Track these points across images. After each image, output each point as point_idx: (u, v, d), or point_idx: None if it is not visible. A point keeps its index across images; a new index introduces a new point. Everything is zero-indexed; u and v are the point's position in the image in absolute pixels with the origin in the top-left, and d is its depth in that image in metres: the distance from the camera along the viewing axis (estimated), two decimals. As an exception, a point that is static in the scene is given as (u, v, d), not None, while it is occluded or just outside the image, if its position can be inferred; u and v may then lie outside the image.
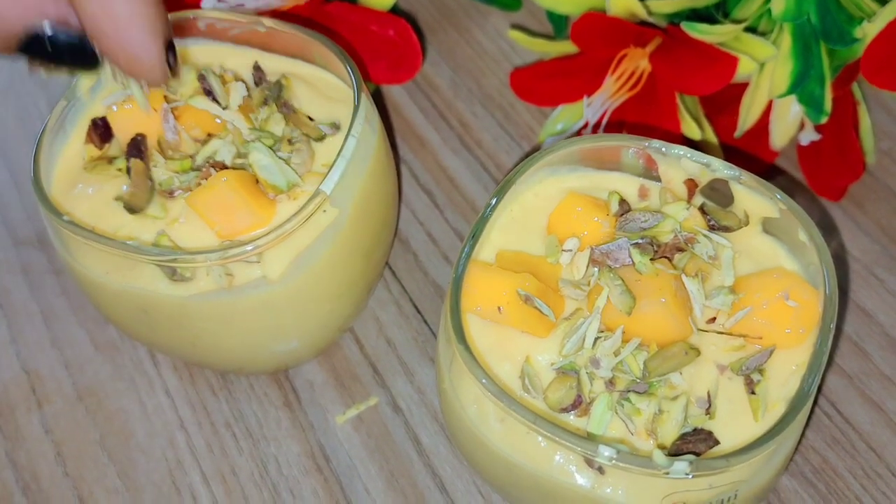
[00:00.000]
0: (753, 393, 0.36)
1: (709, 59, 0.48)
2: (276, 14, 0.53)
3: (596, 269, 0.39)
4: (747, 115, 0.51)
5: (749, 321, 0.38)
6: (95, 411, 0.49)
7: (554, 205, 0.41)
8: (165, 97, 0.44)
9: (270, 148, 0.43)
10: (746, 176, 0.40)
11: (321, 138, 0.44)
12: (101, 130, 0.44)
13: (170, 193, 0.42)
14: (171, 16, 0.45)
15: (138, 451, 0.47)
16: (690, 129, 0.51)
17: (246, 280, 0.40)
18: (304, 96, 0.46)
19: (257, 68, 0.47)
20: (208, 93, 0.44)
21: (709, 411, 0.36)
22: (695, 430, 0.36)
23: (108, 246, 0.39)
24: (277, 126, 0.44)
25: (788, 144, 0.52)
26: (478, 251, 0.39)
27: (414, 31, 0.53)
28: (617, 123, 0.53)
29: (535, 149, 0.56)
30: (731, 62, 0.47)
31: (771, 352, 0.37)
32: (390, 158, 0.46)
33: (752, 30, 0.49)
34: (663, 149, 0.41)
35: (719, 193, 0.41)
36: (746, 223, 0.41)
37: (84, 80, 0.45)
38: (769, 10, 0.49)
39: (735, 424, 0.36)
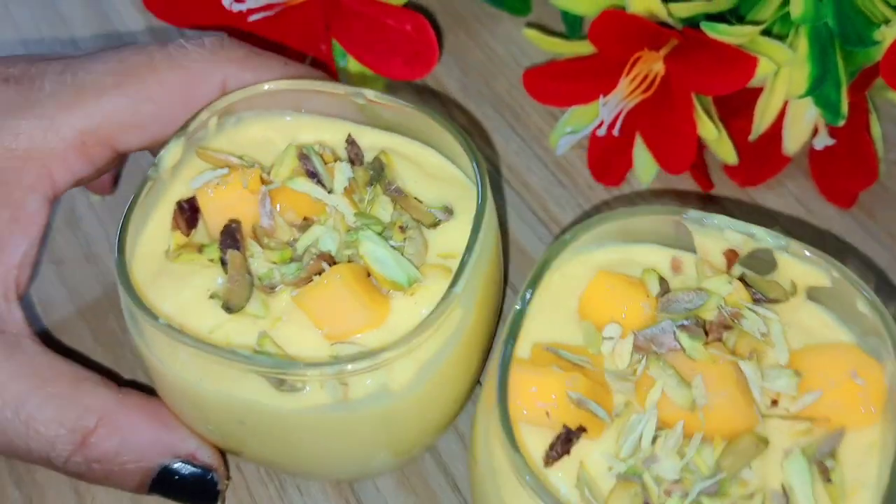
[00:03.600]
0: (829, 481, 0.33)
1: (728, 60, 0.47)
2: (286, 9, 0.52)
3: (641, 355, 0.35)
4: (762, 119, 0.50)
5: (816, 403, 0.35)
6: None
7: (583, 285, 0.38)
8: (262, 179, 0.40)
9: (380, 235, 0.39)
10: (794, 244, 0.37)
11: (435, 224, 0.40)
12: (187, 215, 0.39)
13: (271, 288, 0.38)
14: (253, 88, 0.42)
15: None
16: (707, 129, 0.50)
17: (364, 392, 0.36)
18: (406, 176, 0.42)
19: (352, 143, 0.42)
20: (312, 175, 0.40)
21: None
22: None
23: (210, 353, 0.35)
24: (385, 210, 0.40)
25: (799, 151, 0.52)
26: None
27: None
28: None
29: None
30: (751, 62, 0.47)
31: (842, 434, 0.34)
32: (500, 239, 0.42)
33: (767, 33, 0.49)
34: (704, 220, 0.38)
35: (759, 261, 0.38)
36: (794, 293, 0.38)
37: (166, 158, 0.40)
38: (784, 15, 0.49)
39: None
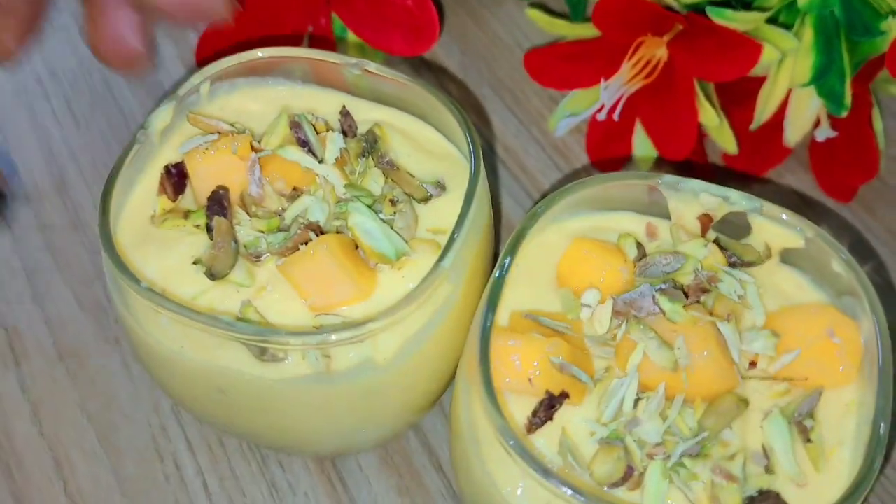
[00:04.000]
0: (809, 440, 0.33)
1: (733, 46, 0.47)
2: None
3: (620, 320, 0.35)
4: (765, 108, 0.50)
5: (794, 363, 0.34)
6: (76, 372, 0.46)
7: (560, 253, 0.37)
8: (252, 146, 0.39)
9: (370, 208, 0.38)
10: (768, 206, 0.37)
11: (426, 199, 0.39)
12: (175, 179, 0.39)
13: (256, 257, 0.37)
14: (248, 54, 0.41)
15: (120, 415, 0.44)
16: (709, 116, 0.50)
17: (347, 364, 0.35)
18: (400, 150, 0.41)
19: (346, 114, 0.42)
20: (303, 143, 0.39)
21: (768, 468, 0.33)
22: (760, 492, 0.32)
23: (192, 319, 0.34)
24: (376, 183, 0.39)
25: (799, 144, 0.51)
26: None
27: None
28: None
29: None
30: (756, 48, 0.47)
31: (820, 394, 0.34)
32: (492, 217, 0.41)
33: (773, 21, 0.49)
34: (679, 184, 0.38)
35: (733, 225, 0.38)
36: (769, 256, 0.38)
37: (155, 122, 0.39)
38: (790, 3, 0.48)
39: (797, 478, 0.33)
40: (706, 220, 0.38)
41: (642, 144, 0.52)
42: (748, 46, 0.47)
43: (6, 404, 0.45)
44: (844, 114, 0.48)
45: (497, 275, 0.35)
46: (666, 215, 0.38)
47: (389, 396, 0.37)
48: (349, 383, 0.35)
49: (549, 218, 0.37)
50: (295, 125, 0.39)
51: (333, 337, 0.34)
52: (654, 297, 0.35)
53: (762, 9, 0.49)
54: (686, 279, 0.36)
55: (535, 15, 0.52)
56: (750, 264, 0.37)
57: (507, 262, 0.35)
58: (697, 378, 0.33)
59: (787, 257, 0.37)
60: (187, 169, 0.39)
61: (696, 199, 0.38)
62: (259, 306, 0.36)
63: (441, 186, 0.40)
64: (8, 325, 0.47)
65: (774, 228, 0.37)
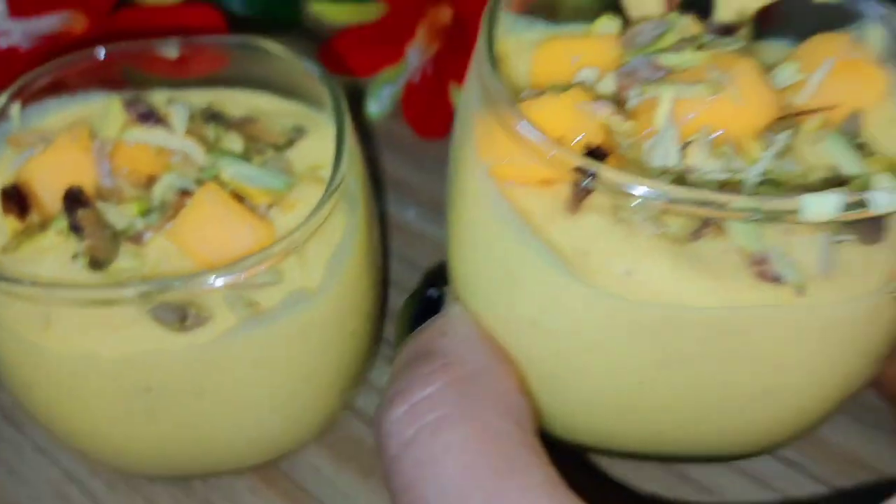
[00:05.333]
0: (871, 154, 0.31)
1: None
2: (53, 42, 0.48)
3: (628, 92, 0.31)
4: None
5: (824, 90, 0.32)
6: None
7: (529, 58, 0.33)
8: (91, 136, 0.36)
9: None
10: None
11: (290, 144, 0.38)
12: (16, 199, 0.35)
13: (138, 239, 0.34)
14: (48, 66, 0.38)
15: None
16: None
17: (279, 298, 0.32)
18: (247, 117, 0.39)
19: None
20: (146, 117, 0.36)
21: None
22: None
23: (102, 296, 0.30)
24: (235, 144, 0.37)
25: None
26: None
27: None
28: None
29: None
30: None
31: (860, 115, 0.32)
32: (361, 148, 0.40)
33: None
34: None
35: (696, 6, 0.35)
36: (746, 19, 0.35)
37: None
38: None
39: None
40: (671, 2, 0.35)
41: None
42: None
43: None
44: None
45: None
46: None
47: (327, 334, 0.34)
48: (284, 322, 0.32)
49: (505, 28, 0.33)
50: (131, 104, 0.36)
51: (271, 251, 0.31)
52: (652, 61, 0.31)
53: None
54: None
55: (322, 8, 0.53)
56: (729, 31, 0.34)
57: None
58: (744, 105, 0.29)
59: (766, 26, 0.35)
60: (29, 182, 0.35)
61: None
62: (159, 287, 0.32)
63: (300, 130, 0.38)
64: None
65: None
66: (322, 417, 0.38)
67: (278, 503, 0.38)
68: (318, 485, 0.39)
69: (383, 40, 0.52)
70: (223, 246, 0.33)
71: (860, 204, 0.26)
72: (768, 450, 0.37)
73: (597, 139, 0.29)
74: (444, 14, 0.52)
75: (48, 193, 0.34)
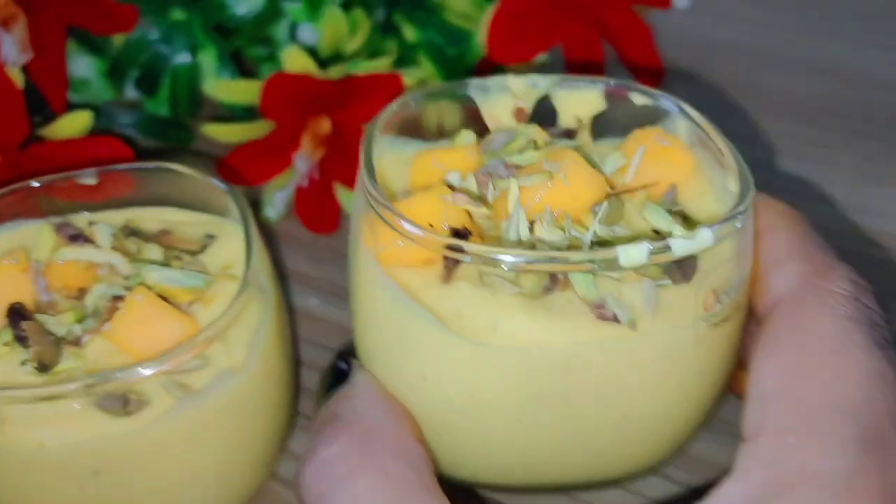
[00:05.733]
0: (686, 219, 0.37)
1: (375, 87, 0.56)
2: None
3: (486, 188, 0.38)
4: None
5: (641, 173, 0.39)
6: None
7: (407, 170, 0.40)
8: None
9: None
10: (569, 79, 0.42)
11: (203, 248, 0.43)
12: (-39, 319, 0.39)
13: (77, 342, 0.39)
14: None
15: None
16: None
17: (208, 379, 0.37)
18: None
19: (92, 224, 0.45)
20: (74, 238, 0.41)
21: None
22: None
23: (42, 391, 0.35)
24: (156, 254, 0.43)
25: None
26: None
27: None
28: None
29: None
30: (396, 78, 0.56)
31: (675, 188, 0.39)
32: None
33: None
34: (487, 83, 0.42)
35: (543, 116, 0.43)
36: (583, 125, 0.43)
37: None
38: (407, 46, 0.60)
39: None
40: (521, 114, 0.42)
41: (348, 197, 0.60)
42: (390, 80, 0.57)
43: None
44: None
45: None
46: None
47: (252, 406, 0.40)
48: (214, 398, 0.38)
49: (383, 146, 0.40)
50: (59, 227, 0.42)
51: (186, 347, 0.36)
52: (504, 161, 0.39)
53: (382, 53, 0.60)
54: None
55: (213, 129, 0.59)
56: (569, 134, 0.42)
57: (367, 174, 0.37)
58: (573, 188, 0.36)
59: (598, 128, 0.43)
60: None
61: (506, 90, 0.42)
62: (101, 383, 0.37)
63: (210, 236, 0.44)
64: None
65: (577, 95, 0.42)
66: (251, 486, 0.43)
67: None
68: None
69: (272, 152, 0.58)
70: (155, 339, 0.38)
71: (663, 249, 0.34)
72: (652, 469, 0.43)
73: (459, 223, 0.36)
74: (324, 125, 0.59)
75: (-19, 317, 0.39)
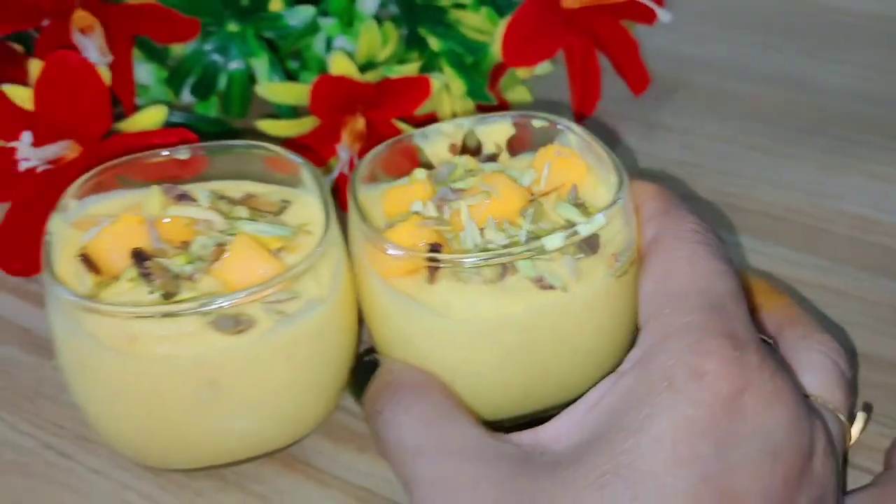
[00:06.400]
0: (588, 212, 0.49)
1: (408, 88, 0.66)
2: (55, 164, 0.61)
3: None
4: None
5: (550, 181, 0.51)
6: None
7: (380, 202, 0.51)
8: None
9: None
10: (489, 116, 0.54)
11: (282, 210, 0.52)
12: (90, 263, 0.48)
13: (190, 278, 0.47)
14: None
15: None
16: None
17: (300, 306, 0.46)
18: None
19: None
20: (180, 197, 0.50)
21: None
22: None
23: (172, 308, 0.44)
24: (243, 213, 0.51)
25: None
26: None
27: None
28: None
29: None
30: (425, 81, 0.66)
31: (575, 187, 0.50)
32: None
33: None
34: (426, 132, 0.53)
35: (472, 149, 0.55)
36: (502, 149, 0.55)
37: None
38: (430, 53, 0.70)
39: None
40: (454, 149, 0.55)
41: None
42: (420, 82, 0.67)
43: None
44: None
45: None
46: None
47: (335, 331, 0.49)
48: (305, 322, 0.46)
49: (363, 186, 0.51)
50: (168, 189, 0.50)
51: (289, 274, 0.45)
52: (451, 188, 0.50)
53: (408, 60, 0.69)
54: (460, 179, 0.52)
55: (267, 125, 0.67)
56: (492, 158, 0.54)
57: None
58: (504, 200, 0.48)
59: (513, 149, 0.55)
60: (99, 247, 0.48)
61: (441, 134, 0.54)
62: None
63: (286, 201, 0.53)
64: None
65: (493, 127, 0.55)
66: (329, 406, 0.51)
67: (301, 482, 0.51)
68: (325, 463, 0.52)
69: (318, 144, 0.67)
70: (255, 276, 0.47)
71: (574, 234, 0.46)
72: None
73: (432, 240, 0.48)
74: (360, 122, 0.68)
75: (116, 255, 0.48)
